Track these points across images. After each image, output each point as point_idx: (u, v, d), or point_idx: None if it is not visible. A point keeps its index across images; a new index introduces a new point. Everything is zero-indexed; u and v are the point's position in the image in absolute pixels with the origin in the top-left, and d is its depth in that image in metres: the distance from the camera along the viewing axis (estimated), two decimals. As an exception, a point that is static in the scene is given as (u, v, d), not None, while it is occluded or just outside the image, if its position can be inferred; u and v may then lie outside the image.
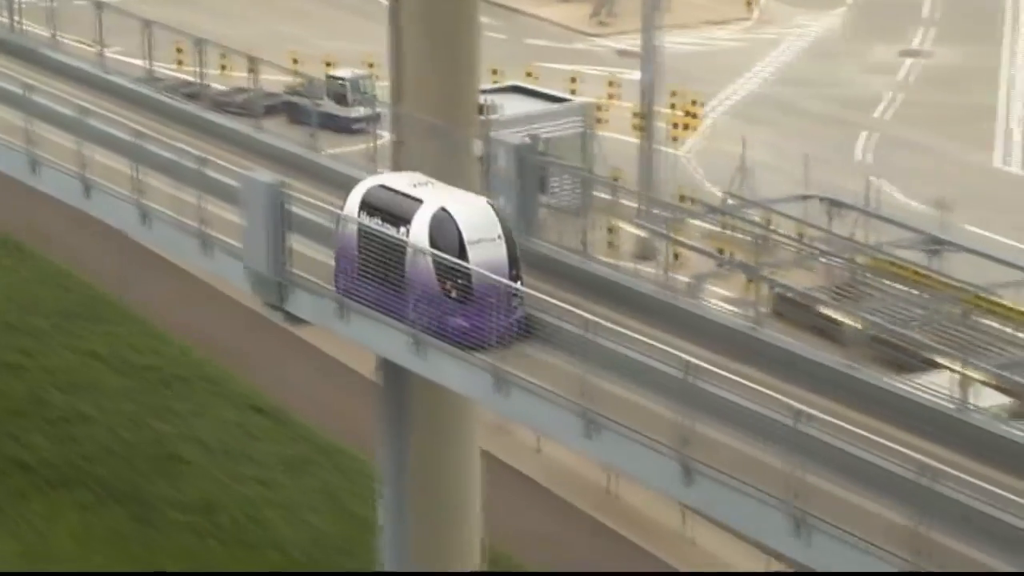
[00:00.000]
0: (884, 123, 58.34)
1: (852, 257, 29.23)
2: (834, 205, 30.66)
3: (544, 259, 26.02)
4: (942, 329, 25.93)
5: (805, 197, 32.12)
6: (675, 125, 53.60)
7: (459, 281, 22.04)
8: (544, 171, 30.09)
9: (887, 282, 28.60)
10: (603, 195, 36.95)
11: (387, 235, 22.73)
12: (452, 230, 22.35)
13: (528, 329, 22.28)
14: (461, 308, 22.01)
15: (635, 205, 41.14)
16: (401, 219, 22.78)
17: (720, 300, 30.22)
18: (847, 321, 25.59)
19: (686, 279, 30.27)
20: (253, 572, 31.21)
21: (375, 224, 23.05)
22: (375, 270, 23.00)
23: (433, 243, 22.32)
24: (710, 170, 50.31)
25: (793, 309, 28.12)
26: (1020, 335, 26.12)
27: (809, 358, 22.32)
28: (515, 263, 22.60)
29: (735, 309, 25.80)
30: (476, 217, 22.65)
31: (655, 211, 40.47)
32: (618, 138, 50.49)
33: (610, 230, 41.47)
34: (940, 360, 24.44)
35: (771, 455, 19.26)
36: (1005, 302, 27.72)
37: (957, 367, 23.37)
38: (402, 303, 22.59)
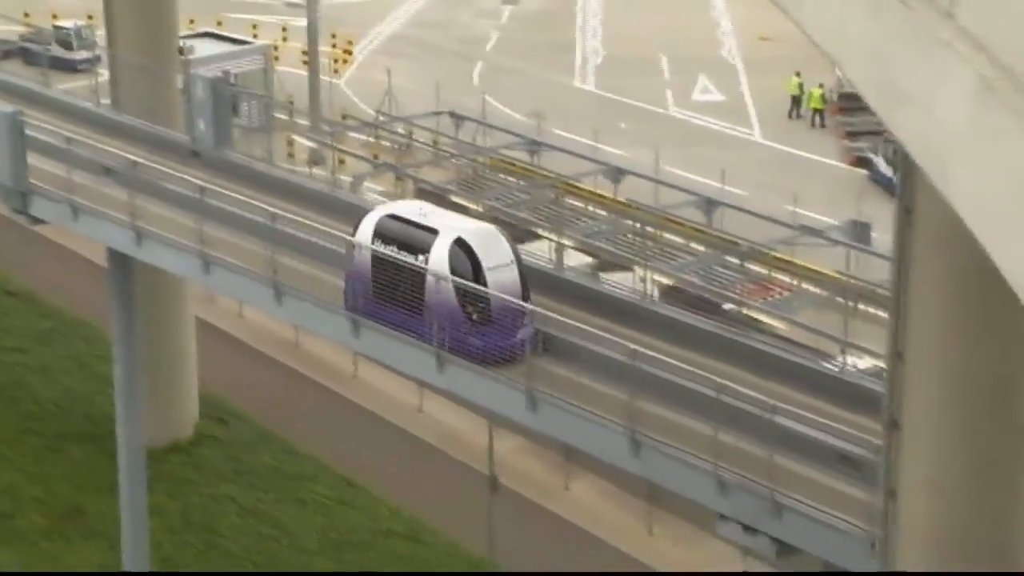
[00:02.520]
0: (492, 55, 58.61)
1: (474, 158, 29.34)
2: (459, 118, 30.75)
3: (238, 167, 25.38)
4: (542, 209, 26.28)
5: (437, 113, 31.99)
6: (335, 60, 52.74)
7: (480, 305, 18.73)
8: (235, 99, 29.36)
9: (501, 176, 28.82)
10: (282, 116, 36.26)
11: (410, 263, 19.16)
12: (471, 258, 18.95)
13: (537, 344, 18.61)
14: (481, 329, 18.69)
15: (307, 123, 40.45)
16: (419, 248, 19.20)
17: (375, 194, 30.02)
18: (472, 206, 25.73)
19: (349, 179, 29.94)
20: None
21: (391, 251, 19.50)
22: (392, 294, 19.46)
23: (452, 270, 18.86)
24: (363, 94, 49.76)
25: (431, 198, 28.05)
26: (599, 212, 26.67)
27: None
28: (526, 286, 19.21)
29: (386, 200, 25.59)
30: (490, 245, 19.17)
31: (323, 127, 39.92)
32: (291, 71, 49.39)
33: (289, 143, 40.78)
34: (541, 232, 24.82)
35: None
36: (586, 186, 28.24)
37: (553, 237, 23.78)
38: (419, 324, 19.10)
